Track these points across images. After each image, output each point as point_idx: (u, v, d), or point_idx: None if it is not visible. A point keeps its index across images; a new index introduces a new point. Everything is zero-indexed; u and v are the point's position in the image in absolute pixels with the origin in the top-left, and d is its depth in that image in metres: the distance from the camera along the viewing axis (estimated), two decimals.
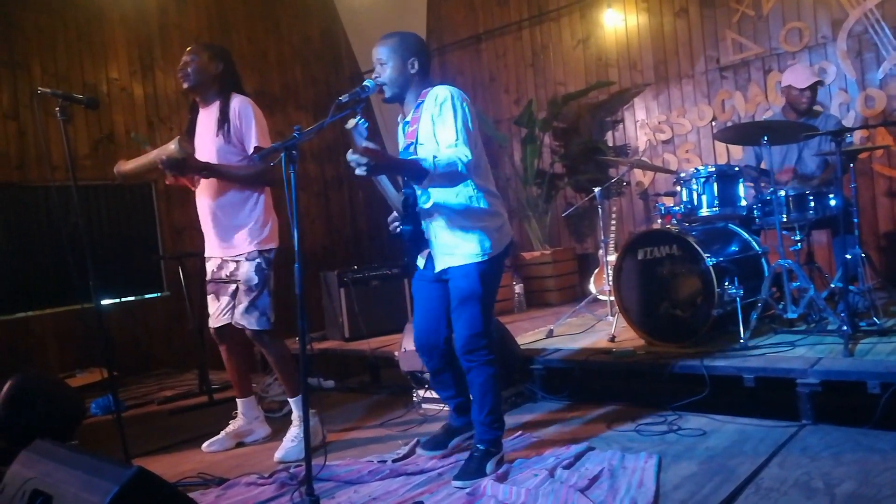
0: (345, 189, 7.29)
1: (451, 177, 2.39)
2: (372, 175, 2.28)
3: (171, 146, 2.92)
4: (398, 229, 2.62)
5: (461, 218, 2.54)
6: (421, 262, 2.73)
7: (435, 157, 2.34)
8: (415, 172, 2.33)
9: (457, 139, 2.40)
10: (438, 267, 2.60)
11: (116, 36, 5.76)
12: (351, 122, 2.31)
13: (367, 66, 6.92)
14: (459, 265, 2.55)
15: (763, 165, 4.13)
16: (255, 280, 3.07)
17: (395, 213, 2.65)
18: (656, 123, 5.68)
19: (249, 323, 3.08)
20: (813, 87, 3.99)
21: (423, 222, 2.63)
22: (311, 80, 7.16)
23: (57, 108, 2.59)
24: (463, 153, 2.38)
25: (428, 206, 2.57)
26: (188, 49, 3.13)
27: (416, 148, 2.53)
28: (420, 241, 2.65)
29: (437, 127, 2.47)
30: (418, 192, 2.59)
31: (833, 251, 4.04)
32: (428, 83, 2.60)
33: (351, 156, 2.17)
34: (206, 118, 3.14)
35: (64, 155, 5.15)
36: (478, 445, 2.59)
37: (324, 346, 4.84)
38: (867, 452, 2.43)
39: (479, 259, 2.54)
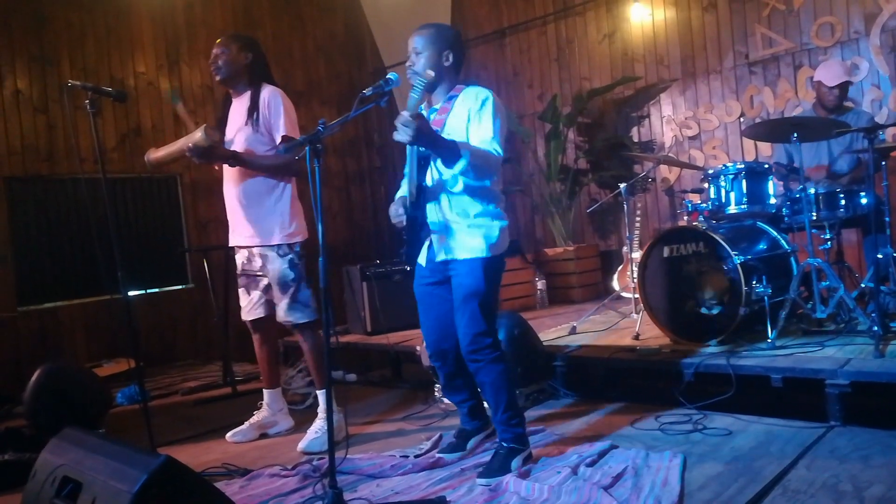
0: (366, 184, 7.31)
1: (481, 168, 2.44)
2: (414, 143, 2.31)
3: (198, 134, 2.96)
4: (403, 217, 2.57)
5: (472, 213, 2.55)
6: (423, 258, 2.67)
7: (471, 144, 2.41)
8: (451, 153, 2.36)
9: (493, 137, 2.46)
10: (440, 257, 2.58)
11: (144, 31, 5.82)
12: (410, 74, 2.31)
13: (390, 61, 6.92)
14: (464, 259, 2.53)
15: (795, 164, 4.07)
16: (291, 276, 3.10)
17: (398, 204, 2.59)
18: (683, 119, 5.61)
19: (297, 318, 3.12)
20: (842, 86, 3.91)
21: (430, 212, 2.58)
22: (335, 75, 7.18)
23: (87, 101, 2.62)
24: (495, 149, 2.45)
25: (457, 188, 2.54)
26: (218, 41, 3.15)
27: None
28: (422, 233, 2.60)
29: (473, 121, 2.49)
30: (441, 178, 2.56)
31: (864, 250, 3.96)
32: (460, 78, 2.64)
33: (400, 118, 2.21)
34: (238, 108, 3.18)
35: (92, 147, 5.26)
36: (502, 443, 2.58)
37: (346, 339, 4.86)
38: None
39: (485, 255, 2.52)
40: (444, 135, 2.48)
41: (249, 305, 3.25)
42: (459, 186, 2.54)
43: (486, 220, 2.55)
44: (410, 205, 2.56)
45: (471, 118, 2.50)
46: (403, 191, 2.70)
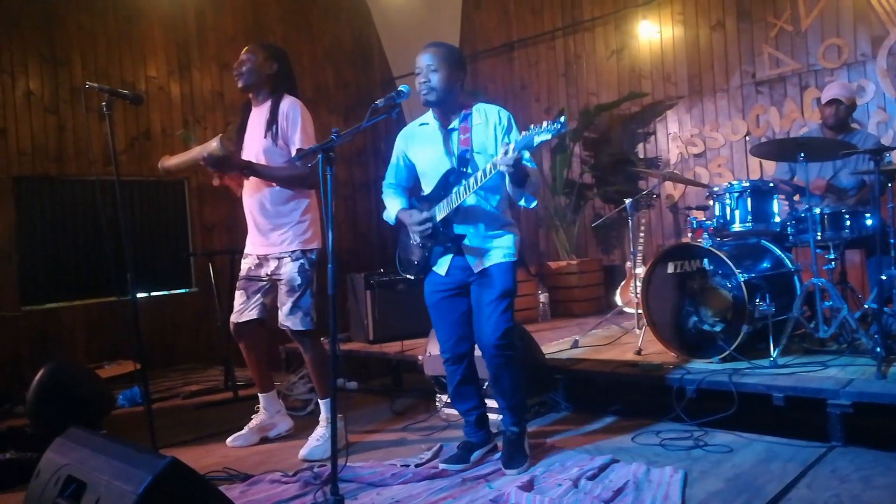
0: (372, 193, 7.34)
1: (535, 185, 2.63)
2: (513, 176, 2.47)
3: (213, 144, 2.97)
4: (429, 231, 2.67)
5: (499, 223, 2.74)
6: (442, 268, 2.77)
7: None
8: (524, 180, 2.55)
9: (530, 155, 2.60)
10: (479, 268, 2.70)
11: (155, 36, 5.87)
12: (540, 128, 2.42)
13: (398, 71, 6.96)
14: (499, 262, 2.70)
15: (796, 180, 4.09)
16: (299, 280, 3.10)
17: (423, 216, 2.68)
18: (689, 137, 5.64)
19: (294, 324, 3.11)
20: (835, 103, 3.97)
21: (458, 226, 2.70)
22: (342, 83, 7.23)
23: (103, 103, 2.64)
24: (535, 165, 2.65)
25: (494, 205, 2.73)
26: (245, 48, 3.16)
27: (472, 154, 2.67)
28: (442, 246, 2.73)
29: (504, 141, 2.60)
30: (480, 197, 2.70)
31: (867, 271, 3.97)
32: (464, 96, 2.76)
33: (511, 158, 2.38)
34: (258, 117, 3.17)
35: (104, 149, 5.29)
36: (511, 429, 2.75)
37: (348, 347, 4.87)
38: None
39: (514, 259, 2.74)
40: (476, 152, 2.65)
41: (244, 308, 3.24)
42: (495, 203, 2.73)
43: (510, 227, 2.77)
44: (441, 222, 2.69)
45: (497, 137, 2.66)
46: (400, 203, 2.85)
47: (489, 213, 2.71)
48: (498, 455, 2.80)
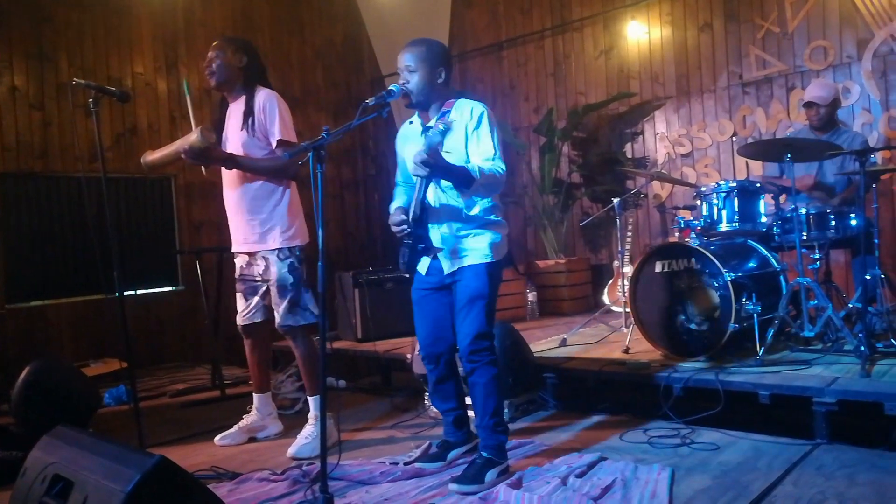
0: (360, 191, 7.32)
1: (490, 187, 2.55)
2: (431, 177, 2.46)
3: (194, 135, 2.94)
4: (406, 231, 2.62)
5: (475, 223, 2.64)
6: (423, 267, 2.73)
7: (480, 167, 2.49)
8: (464, 179, 2.47)
9: (495, 154, 2.55)
10: (449, 269, 2.64)
11: (143, 32, 5.82)
12: (438, 126, 2.39)
13: (388, 70, 6.96)
14: (471, 265, 2.62)
15: (785, 179, 4.13)
16: (291, 279, 3.10)
17: (401, 217, 2.64)
18: (676, 137, 5.68)
19: (296, 321, 3.11)
20: (812, 104, 4.04)
21: (431, 226, 2.65)
22: (332, 83, 7.20)
23: (90, 100, 2.62)
24: (500, 167, 2.54)
25: (461, 204, 2.64)
26: (213, 45, 3.14)
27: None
28: (424, 246, 2.67)
29: (472, 140, 2.57)
30: (447, 197, 2.64)
31: (852, 271, 4.02)
32: (448, 92, 2.69)
33: (418, 156, 2.34)
34: (234, 112, 3.17)
35: (90, 145, 5.24)
36: (482, 452, 2.60)
37: (336, 346, 4.85)
38: (882, 474, 2.42)
39: (489, 260, 2.63)
40: (446, 151, 2.53)
41: (246, 311, 3.25)
42: (462, 203, 2.63)
43: (489, 227, 2.66)
44: (413, 222, 2.61)
45: (469, 136, 2.57)
46: (400, 201, 2.78)
47: (462, 214, 2.63)
48: (475, 455, 2.68)
